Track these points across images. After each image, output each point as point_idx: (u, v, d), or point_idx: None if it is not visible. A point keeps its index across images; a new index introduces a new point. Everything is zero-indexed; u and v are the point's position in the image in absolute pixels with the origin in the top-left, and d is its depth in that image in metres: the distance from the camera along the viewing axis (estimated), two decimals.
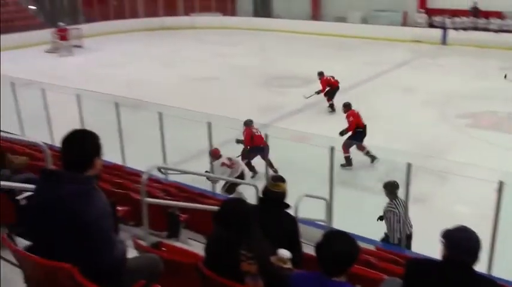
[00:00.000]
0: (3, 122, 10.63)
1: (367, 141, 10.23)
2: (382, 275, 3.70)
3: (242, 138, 9.85)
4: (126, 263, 2.69)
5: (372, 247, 5.86)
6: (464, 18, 24.10)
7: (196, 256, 3.24)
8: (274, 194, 3.82)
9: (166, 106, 10.56)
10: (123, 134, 9.60)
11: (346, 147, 10.10)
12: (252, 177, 9.73)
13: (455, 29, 24.08)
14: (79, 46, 23.93)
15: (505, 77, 16.87)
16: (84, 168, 2.48)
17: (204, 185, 8.06)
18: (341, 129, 10.32)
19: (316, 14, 28.31)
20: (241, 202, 3.19)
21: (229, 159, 9.03)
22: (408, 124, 12.52)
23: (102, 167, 2.65)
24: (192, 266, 2.97)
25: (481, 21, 23.92)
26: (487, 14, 23.83)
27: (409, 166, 6.31)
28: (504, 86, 16.11)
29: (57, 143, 2.85)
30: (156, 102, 10.85)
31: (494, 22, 23.56)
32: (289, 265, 3.11)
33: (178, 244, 4.71)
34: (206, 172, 8.61)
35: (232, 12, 30.87)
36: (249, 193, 7.22)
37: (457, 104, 14.27)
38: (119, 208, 4.80)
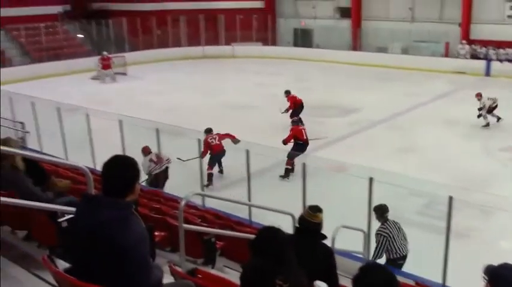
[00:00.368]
0: (49, 146, 11.04)
1: (412, 172, 9.96)
2: None
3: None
4: None
5: (411, 282, 5.71)
6: (509, 50, 23.58)
7: (231, 284, 3.23)
8: (311, 224, 3.77)
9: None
10: None
11: (288, 158, 10.33)
12: (206, 186, 10.15)
13: (500, 60, 23.58)
14: (123, 73, 24.59)
15: None
16: (124, 194, 2.53)
17: (241, 213, 8.03)
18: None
19: (356, 45, 28.26)
20: (276, 230, 3.16)
21: (157, 156, 9.80)
22: (449, 156, 12.23)
23: (140, 192, 2.70)
24: None
25: None
26: None
27: (450, 199, 6.19)
28: None
29: (99, 167, 2.91)
30: (196, 129, 11.00)
31: None
32: None
33: (213, 272, 4.71)
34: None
35: (273, 43, 31.07)
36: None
37: (500, 137, 13.89)
38: (156, 233, 4.85)
